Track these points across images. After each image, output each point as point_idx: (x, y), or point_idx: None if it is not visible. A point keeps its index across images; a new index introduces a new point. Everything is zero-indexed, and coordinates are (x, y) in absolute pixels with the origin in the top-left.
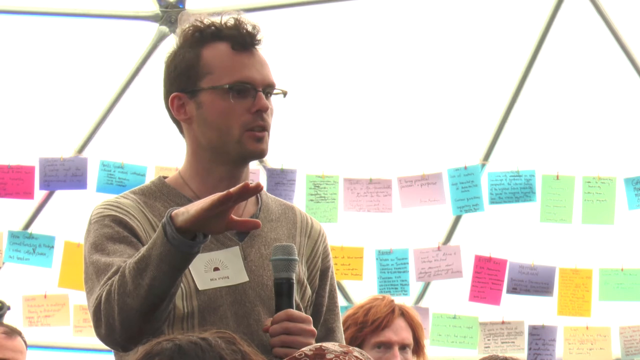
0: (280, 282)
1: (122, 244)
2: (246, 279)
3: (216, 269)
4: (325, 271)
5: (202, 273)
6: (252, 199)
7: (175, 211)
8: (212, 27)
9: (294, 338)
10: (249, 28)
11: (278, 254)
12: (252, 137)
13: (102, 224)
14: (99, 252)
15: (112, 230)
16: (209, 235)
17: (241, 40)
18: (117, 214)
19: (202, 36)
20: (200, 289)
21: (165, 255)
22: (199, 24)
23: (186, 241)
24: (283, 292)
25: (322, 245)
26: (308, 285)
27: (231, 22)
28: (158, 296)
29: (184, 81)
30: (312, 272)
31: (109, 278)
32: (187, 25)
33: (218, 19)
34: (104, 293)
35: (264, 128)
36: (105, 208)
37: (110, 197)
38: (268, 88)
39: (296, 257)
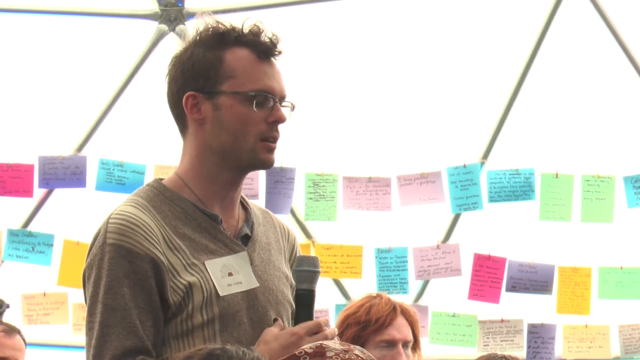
0: (303, 293)
1: (136, 287)
2: (257, 284)
3: (230, 274)
4: None
5: (219, 279)
6: (240, 204)
7: None
8: (235, 32)
9: None
10: (273, 37)
11: (304, 265)
12: (265, 148)
13: (119, 254)
14: (112, 295)
15: (130, 267)
16: None
17: (265, 49)
18: (138, 246)
19: (224, 39)
20: (221, 294)
21: None
22: (220, 25)
23: None
24: (304, 303)
25: (297, 249)
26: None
27: (255, 29)
28: None
29: (202, 81)
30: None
31: (125, 354)
32: (204, 25)
33: (238, 24)
34: None
35: (276, 139)
36: (125, 226)
37: (126, 208)
38: (282, 99)
39: (319, 270)
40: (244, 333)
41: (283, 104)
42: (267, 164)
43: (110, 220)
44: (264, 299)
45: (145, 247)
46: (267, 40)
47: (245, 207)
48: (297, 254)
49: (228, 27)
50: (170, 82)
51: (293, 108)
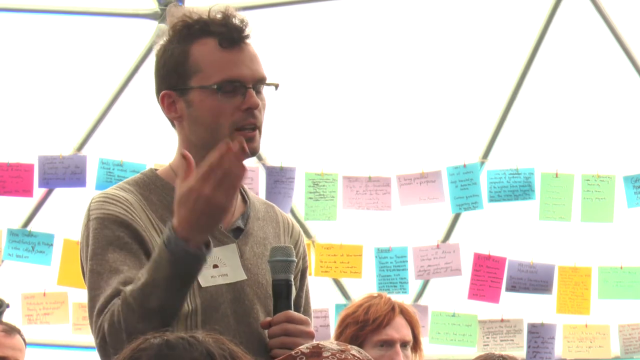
0: (279, 283)
1: (122, 251)
2: (244, 276)
3: (215, 266)
4: (304, 271)
5: (203, 270)
6: (240, 198)
7: (173, 225)
8: (200, 23)
9: (293, 339)
10: (237, 22)
11: (277, 255)
12: (242, 137)
13: (102, 225)
14: (97, 260)
15: (113, 234)
16: (211, 246)
17: (229, 36)
18: (119, 214)
19: (190, 32)
20: (203, 285)
21: (172, 277)
22: (187, 18)
23: (196, 256)
24: (282, 294)
25: (302, 245)
26: (294, 286)
27: (219, 16)
28: (171, 315)
29: (173, 79)
30: (295, 273)
31: (107, 301)
32: (176, 19)
33: (206, 13)
34: (106, 325)
35: (255, 126)
36: (106, 201)
37: (110, 190)
38: (259, 83)
39: (294, 259)
40: (226, 326)
41: (265, 84)
42: (246, 154)
43: (93, 201)
44: (251, 293)
45: (127, 217)
46: (231, 26)
47: (245, 200)
48: (302, 251)
49: (195, 18)
50: (154, 81)
51: (277, 87)
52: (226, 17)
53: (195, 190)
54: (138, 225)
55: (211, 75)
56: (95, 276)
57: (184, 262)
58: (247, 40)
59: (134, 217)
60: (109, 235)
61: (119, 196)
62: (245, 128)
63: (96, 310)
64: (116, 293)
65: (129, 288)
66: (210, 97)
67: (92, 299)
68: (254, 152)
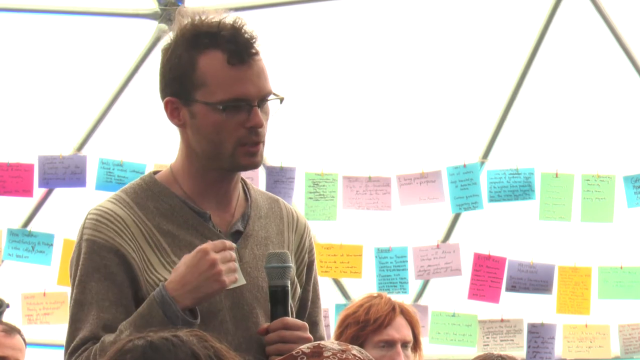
0: (275, 289)
1: (107, 281)
2: (244, 281)
3: None
4: (310, 265)
5: None
6: (242, 196)
7: (166, 283)
8: (209, 36)
9: (290, 346)
10: (247, 37)
11: (273, 261)
12: (245, 152)
13: (92, 249)
14: (80, 289)
15: (101, 262)
16: (197, 316)
17: (237, 54)
18: (109, 239)
19: (199, 42)
20: None
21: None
22: (198, 24)
23: (190, 321)
24: (278, 300)
25: (307, 239)
26: (297, 283)
27: (229, 29)
28: None
29: (178, 87)
30: (300, 267)
31: (82, 343)
32: (185, 21)
33: (216, 22)
34: None
35: (258, 142)
36: (99, 221)
37: (105, 204)
38: (263, 98)
39: (290, 264)
40: (225, 331)
41: (271, 98)
42: (250, 167)
43: (88, 217)
44: (251, 297)
45: (117, 242)
46: (240, 42)
47: (247, 198)
48: (308, 244)
49: (205, 27)
50: (159, 80)
51: (282, 101)
52: (236, 31)
53: (204, 251)
54: (127, 252)
55: (216, 92)
56: (76, 306)
57: (179, 322)
58: (256, 55)
59: (125, 241)
60: (97, 262)
61: (114, 215)
62: (248, 144)
63: (70, 349)
64: (92, 337)
65: (108, 339)
66: (214, 112)
67: (69, 333)
68: (255, 166)
